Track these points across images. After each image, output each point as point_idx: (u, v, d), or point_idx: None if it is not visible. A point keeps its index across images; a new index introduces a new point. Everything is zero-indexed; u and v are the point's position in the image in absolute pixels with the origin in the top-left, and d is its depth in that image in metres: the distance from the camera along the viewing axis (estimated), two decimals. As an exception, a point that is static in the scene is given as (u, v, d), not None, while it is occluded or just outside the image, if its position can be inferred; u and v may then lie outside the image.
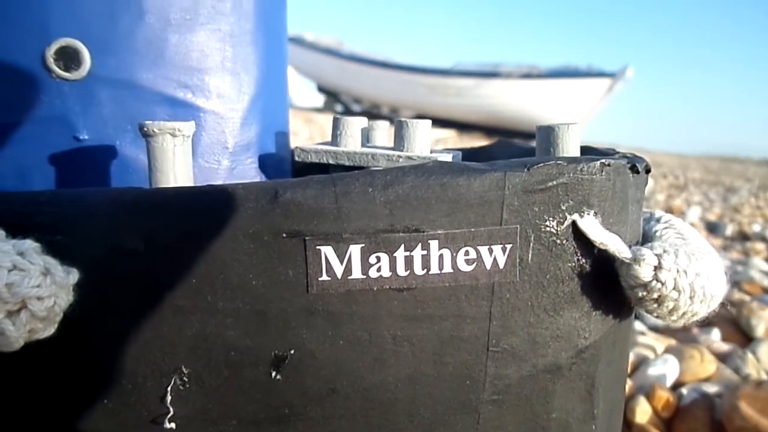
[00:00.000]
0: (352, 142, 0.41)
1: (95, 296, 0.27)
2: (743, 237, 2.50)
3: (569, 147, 0.34)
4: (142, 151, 0.39)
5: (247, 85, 0.42)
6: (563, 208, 0.29)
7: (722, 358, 0.96)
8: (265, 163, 0.44)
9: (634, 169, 0.32)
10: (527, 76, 6.78)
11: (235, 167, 0.42)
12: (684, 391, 0.82)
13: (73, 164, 0.38)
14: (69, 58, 0.37)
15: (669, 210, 2.69)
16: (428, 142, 0.39)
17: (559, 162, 0.29)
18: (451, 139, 6.45)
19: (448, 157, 0.38)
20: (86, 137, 0.38)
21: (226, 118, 0.41)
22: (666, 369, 0.87)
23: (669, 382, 0.86)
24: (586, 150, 0.38)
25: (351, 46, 10.35)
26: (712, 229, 2.61)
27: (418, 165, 0.28)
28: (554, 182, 0.29)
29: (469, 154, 0.52)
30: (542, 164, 0.28)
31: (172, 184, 0.32)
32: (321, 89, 11.06)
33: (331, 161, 0.40)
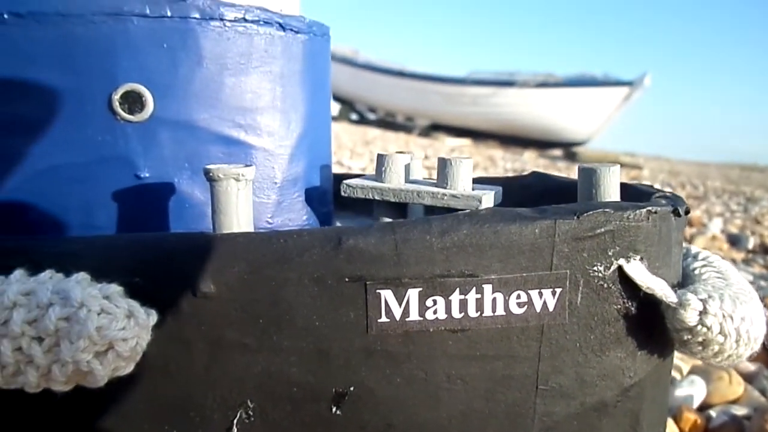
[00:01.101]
0: (396, 178, 0.42)
1: (170, 335, 0.29)
2: (765, 250, 2.47)
3: (611, 189, 0.36)
4: (197, 187, 0.41)
5: (295, 122, 0.44)
6: (610, 253, 0.30)
7: (749, 378, 0.96)
8: (310, 195, 0.46)
9: (676, 213, 0.33)
10: (543, 84, 6.77)
11: (282, 201, 0.44)
12: (713, 413, 0.82)
13: (134, 201, 0.40)
14: (133, 101, 0.39)
15: (689, 223, 2.66)
16: (470, 179, 0.41)
17: (606, 210, 0.30)
18: (467, 147, 6.46)
19: (490, 195, 0.40)
20: (147, 175, 0.40)
21: (275, 155, 0.43)
22: (693, 390, 0.87)
23: (696, 404, 0.86)
24: (625, 188, 0.40)
25: (366, 55, 10.44)
26: (734, 242, 2.58)
27: (473, 213, 0.30)
28: (602, 229, 0.30)
29: (505, 185, 0.53)
30: (591, 212, 0.30)
31: (235, 227, 0.33)
32: (336, 98, 11.15)
33: (376, 197, 0.42)
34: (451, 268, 0.29)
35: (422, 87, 7.08)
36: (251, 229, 0.34)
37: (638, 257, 0.30)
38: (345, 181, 0.43)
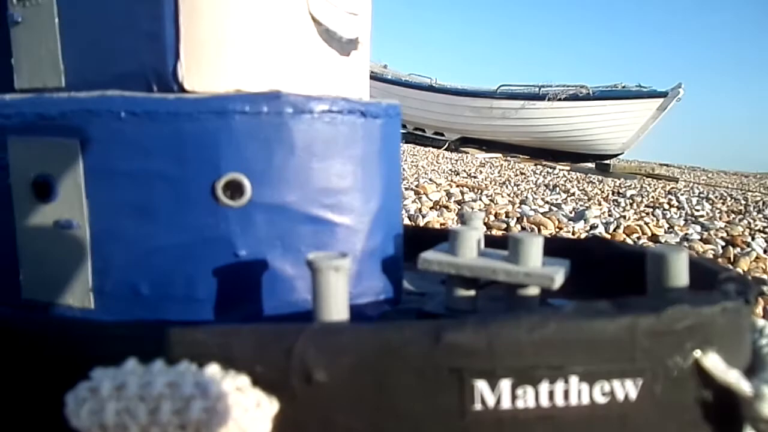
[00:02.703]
0: (469, 253, 0.46)
1: (285, 420, 0.33)
2: (814, 271, 2.40)
3: (680, 275, 0.38)
4: (288, 263, 0.45)
5: (373, 199, 0.48)
6: (687, 346, 0.33)
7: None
8: (386, 264, 0.50)
9: (747, 302, 0.35)
10: (574, 97, 6.72)
11: (362, 272, 0.48)
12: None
13: (232, 276, 0.44)
14: (234, 189, 0.43)
15: (731, 242, 2.61)
16: (541, 255, 0.44)
17: (684, 308, 0.32)
18: (497, 161, 6.44)
19: (560, 272, 0.43)
20: (244, 253, 0.44)
21: (356, 230, 0.47)
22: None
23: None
24: (692, 266, 0.42)
25: (395, 70, 10.55)
26: (780, 262, 2.51)
27: (560, 311, 0.33)
28: (680, 325, 0.32)
29: (565, 248, 0.56)
30: (670, 310, 0.32)
31: (334, 314, 0.37)
32: (365, 112, 11.17)
33: (453, 272, 0.45)
34: (540, 360, 0.32)
35: (452, 101, 7.11)
36: (347, 313, 0.38)
37: (713, 349, 0.33)
38: (422, 255, 0.46)
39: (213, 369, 0.32)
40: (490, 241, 0.54)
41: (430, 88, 7.33)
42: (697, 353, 0.32)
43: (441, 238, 0.61)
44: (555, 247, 0.53)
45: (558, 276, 0.41)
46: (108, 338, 0.36)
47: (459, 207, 2.40)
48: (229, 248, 0.44)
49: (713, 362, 0.32)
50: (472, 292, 0.46)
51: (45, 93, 0.50)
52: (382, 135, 0.48)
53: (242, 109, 0.43)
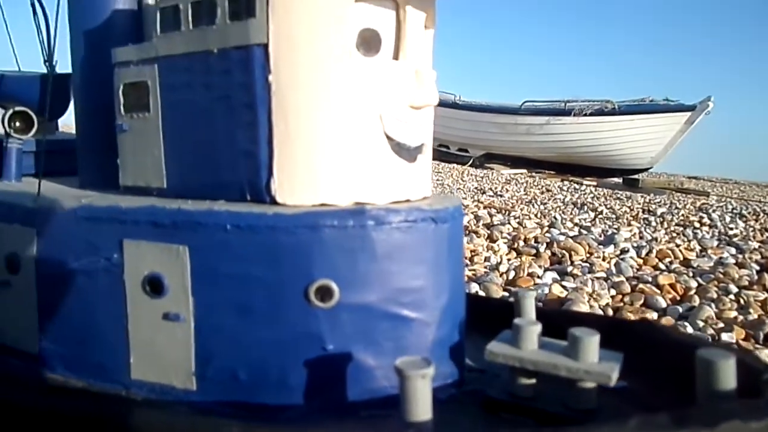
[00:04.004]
0: (531, 346, 0.51)
1: None
2: None
3: (728, 381, 0.43)
4: (370, 356, 0.51)
5: (443, 293, 0.54)
6: None
7: None
8: (453, 351, 0.55)
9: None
10: (599, 112, 6.69)
11: (432, 359, 0.53)
12: None
13: (321, 367, 0.50)
14: (324, 293, 0.49)
15: (766, 266, 2.57)
16: (597, 351, 0.49)
17: (737, 423, 0.37)
18: (522, 177, 6.45)
19: (616, 368, 0.47)
20: (331, 347, 0.50)
21: (428, 323, 0.53)
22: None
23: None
24: (741, 364, 0.46)
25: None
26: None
27: (633, 422, 0.37)
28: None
29: (612, 329, 0.60)
30: (723, 425, 0.37)
31: (421, 414, 0.43)
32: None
33: (517, 365, 0.50)
34: None
35: (476, 117, 7.15)
36: (430, 413, 0.43)
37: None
38: (488, 348, 0.51)
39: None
40: (540, 314, 0.59)
41: (454, 105, 7.38)
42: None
43: (497, 306, 0.66)
44: (604, 327, 0.58)
45: (614, 374, 0.46)
46: None
47: (488, 231, 2.43)
48: (319, 343, 0.50)
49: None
50: (533, 381, 0.51)
51: (150, 193, 0.58)
52: (449, 236, 0.54)
53: (331, 223, 0.49)
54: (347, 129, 0.51)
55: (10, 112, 0.72)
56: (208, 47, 0.52)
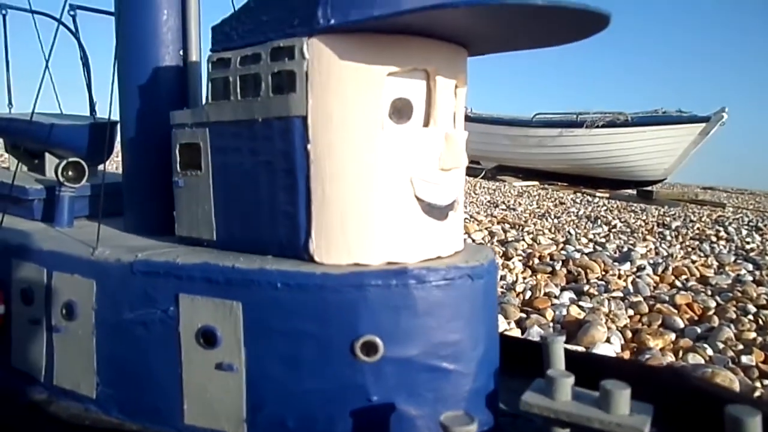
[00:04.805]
0: (564, 397, 0.53)
1: None
2: None
3: (757, 436, 0.45)
4: (412, 406, 0.54)
5: (479, 345, 0.57)
6: None
7: None
8: (488, 400, 0.58)
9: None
10: (612, 124, 6.69)
11: (469, 409, 0.56)
12: None
13: (365, 417, 0.54)
14: (369, 348, 0.53)
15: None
16: (628, 403, 0.51)
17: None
18: (534, 189, 6.45)
19: (647, 422, 0.50)
20: (375, 399, 0.53)
21: (465, 374, 0.56)
22: None
23: None
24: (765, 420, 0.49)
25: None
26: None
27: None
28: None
29: (640, 377, 0.63)
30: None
31: (463, 471, 0.46)
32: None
33: (552, 416, 0.53)
34: None
35: (488, 130, 7.17)
36: (473, 466, 0.46)
37: None
38: (523, 399, 0.54)
39: None
40: (568, 358, 0.62)
41: (466, 118, 7.39)
42: None
43: (524, 347, 0.69)
44: (631, 375, 0.60)
45: (646, 428, 0.49)
46: None
47: (503, 249, 2.44)
48: (364, 395, 0.53)
49: None
50: (567, 431, 0.54)
51: (201, 244, 0.62)
52: (484, 291, 0.57)
53: (376, 282, 0.52)
54: (380, 194, 0.54)
55: (64, 162, 0.76)
56: (253, 116, 0.55)
